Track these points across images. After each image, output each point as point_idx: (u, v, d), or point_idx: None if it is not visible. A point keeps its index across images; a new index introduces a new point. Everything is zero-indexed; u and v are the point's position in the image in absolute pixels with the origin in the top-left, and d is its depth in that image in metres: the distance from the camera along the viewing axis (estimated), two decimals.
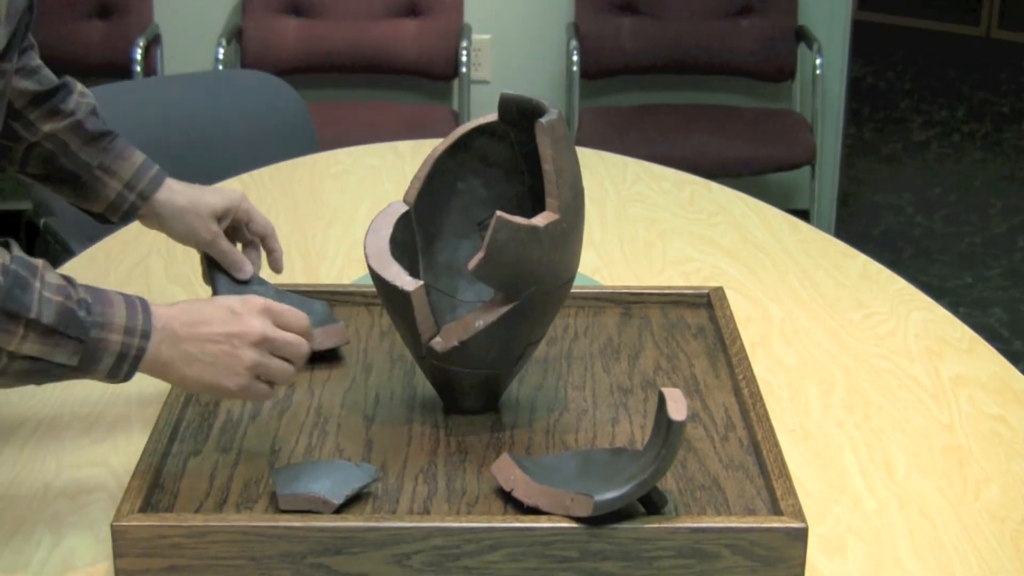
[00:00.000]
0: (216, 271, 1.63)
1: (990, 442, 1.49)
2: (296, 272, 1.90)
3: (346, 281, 1.87)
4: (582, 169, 2.32)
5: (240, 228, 1.66)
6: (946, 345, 1.71)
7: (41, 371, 1.23)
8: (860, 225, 4.44)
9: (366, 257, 1.41)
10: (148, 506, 1.28)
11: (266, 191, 2.21)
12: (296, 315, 1.33)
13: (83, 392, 1.57)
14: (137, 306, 1.26)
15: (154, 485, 1.31)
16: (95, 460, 1.43)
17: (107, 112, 2.13)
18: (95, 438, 1.48)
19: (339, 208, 2.14)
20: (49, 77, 1.58)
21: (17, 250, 1.25)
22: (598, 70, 4.03)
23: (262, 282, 1.64)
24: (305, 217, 2.11)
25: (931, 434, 1.51)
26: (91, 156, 1.59)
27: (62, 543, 1.30)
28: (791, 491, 1.28)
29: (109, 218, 1.62)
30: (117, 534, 1.22)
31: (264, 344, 1.29)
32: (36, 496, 1.37)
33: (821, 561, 1.29)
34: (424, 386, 1.51)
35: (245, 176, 2.28)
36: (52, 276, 1.24)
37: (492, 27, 4.12)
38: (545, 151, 1.36)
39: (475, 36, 4.08)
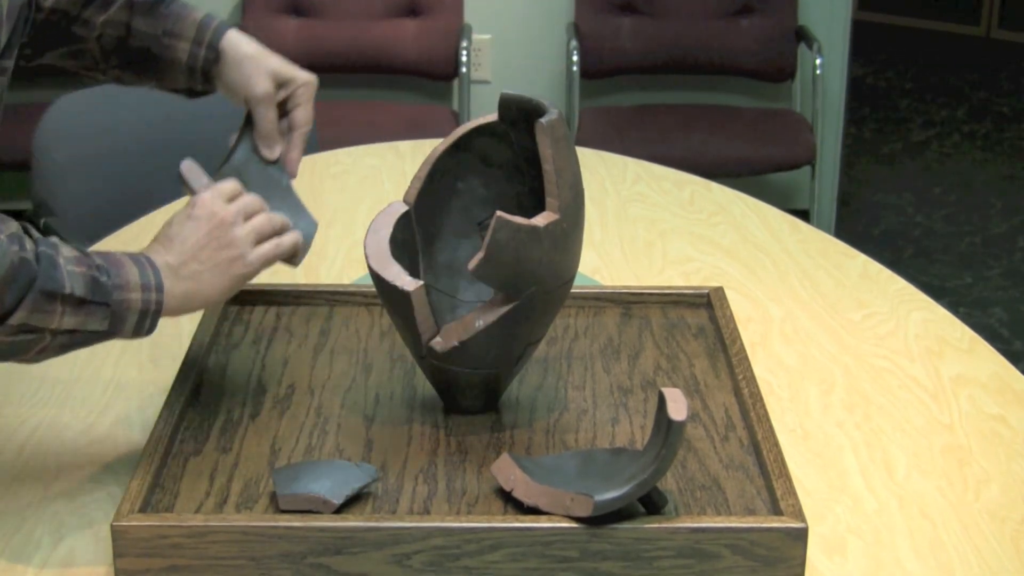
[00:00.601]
0: (246, 136, 1.54)
1: (990, 442, 1.49)
2: (296, 272, 1.90)
3: (346, 281, 1.87)
4: (582, 169, 2.31)
5: (284, 110, 1.56)
6: (946, 345, 1.71)
7: (78, 341, 1.27)
8: (860, 225, 4.44)
9: (366, 257, 1.41)
10: (148, 506, 1.28)
11: None
12: (226, 183, 1.38)
13: (83, 392, 1.57)
14: (143, 261, 1.30)
15: (154, 485, 1.31)
16: (95, 460, 1.43)
17: (106, 112, 2.13)
18: (95, 438, 1.48)
19: (339, 208, 2.14)
20: None
21: (32, 228, 1.26)
22: (598, 70, 4.03)
23: (282, 171, 1.54)
24: None
25: (931, 434, 1.51)
26: (153, 26, 1.54)
27: (62, 543, 1.30)
28: (791, 491, 1.28)
29: (196, 87, 1.57)
30: (117, 534, 1.22)
31: (240, 215, 1.34)
32: (36, 496, 1.37)
33: (821, 561, 1.29)
34: (424, 386, 1.51)
35: None
36: (67, 249, 1.26)
37: (492, 27, 4.12)
38: (545, 151, 1.36)
39: (475, 36, 4.08)
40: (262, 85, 1.51)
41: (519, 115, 1.43)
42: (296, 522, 1.22)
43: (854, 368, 1.65)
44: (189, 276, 1.31)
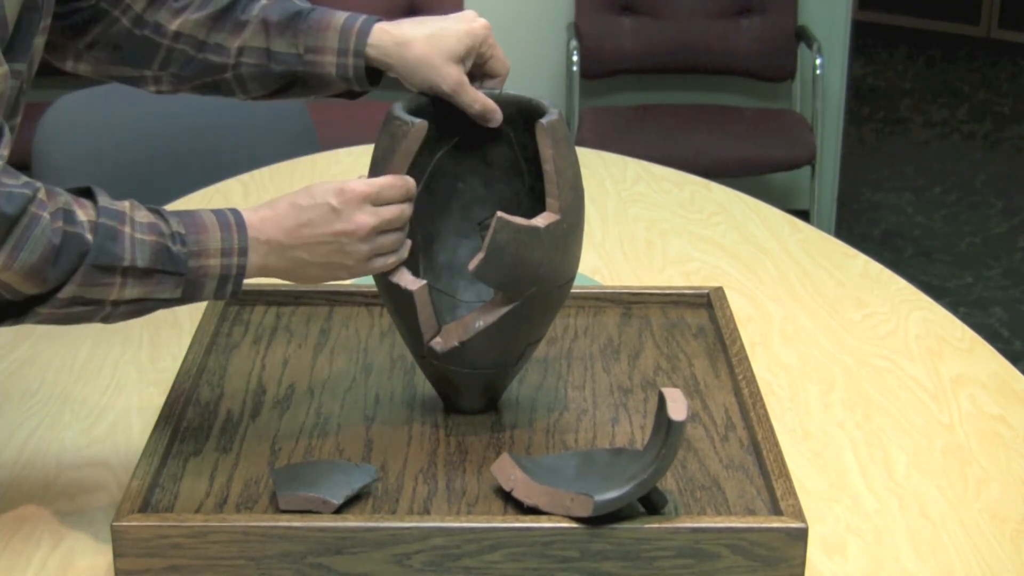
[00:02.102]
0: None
1: (990, 442, 1.49)
2: None
3: (346, 281, 1.87)
4: (582, 169, 2.31)
5: (479, 66, 1.45)
6: (946, 345, 1.71)
7: (147, 309, 1.26)
8: (860, 225, 4.44)
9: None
10: (148, 506, 1.28)
11: (266, 191, 2.21)
12: (395, 185, 1.32)
13: (83, 392, 1.57)
14: (231, 223, 1.26)
15: (154, 485, 1.31)
16: (95, 460, 1.43)
17: (106, 113, 2.13)
18: (95, 438, 1.48)
19: None
20: None
21: (103, 198, 1.25)
22: (598, 70, 4.03)
23: None
24: None
25: (931, 434, 1.51)
26: (292, 46, 1.44)
27: (62, 543, 1.30)
28: (791, 491, 1.28)
29: (356, 89, 1.47)
30: (117, 534, 1.22)
31: (373, 232, 1.30)
32: (36, 496, 1.37)
33: (821, 561, 1.29)
34: (424, 386, 1.51)
35: (245, 176, 2.28)
36: (142, 215, 1.24)
37: (492, 27, 4.12)
38: (546, 151, 1.36)
39: None
40: (448, 78, 1.40)
41: (519, 115, 1.43)
42: (296, 522, 1.22)
43: (854, 368, 1.65)
44: (290, 259, 1.29)
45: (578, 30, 4.00)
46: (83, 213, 1.21)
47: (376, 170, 1.38)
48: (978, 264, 4.17)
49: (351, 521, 1.22)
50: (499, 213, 1.32)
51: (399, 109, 1.37)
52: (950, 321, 1.77)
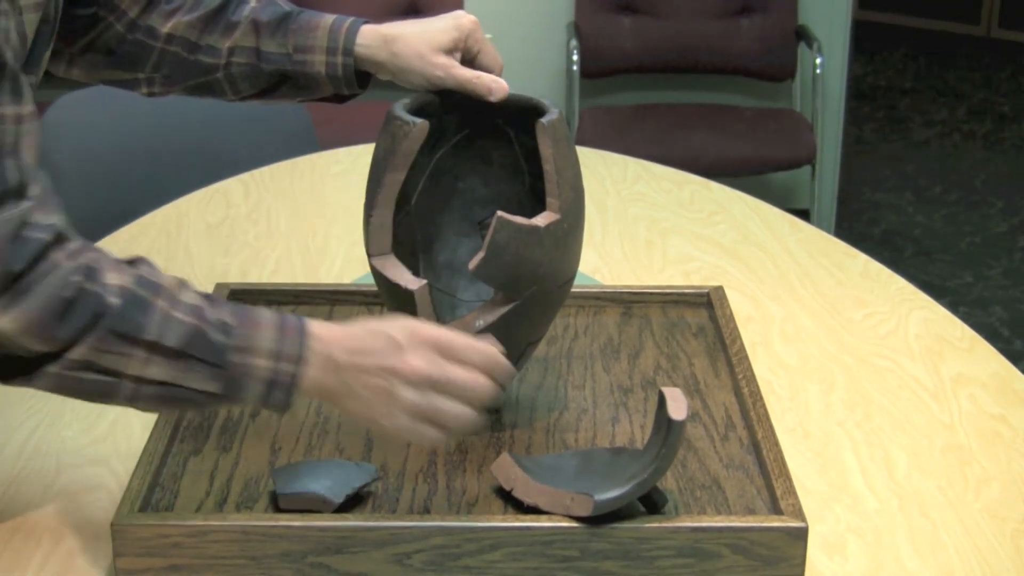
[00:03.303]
0: None
1: (990, 442, 1.49)
2: (296, 272, 1.90)
3: (346, 281, 1.87)
4: (582, 169, 2.31)
5: (467, 62, 1.44)
6: (946, 345, 1.71)
7: (179, 397, 1.15)
8: (860, 225, 4.44)
9: (368, 256, 1.41)
10: (148, 506, 1.28)
11: (266, 191, 2.21)
12: (475, 347, 1.19)
13: None
14: (291, 328, 1.17)
15: (154, 485, 1.31)
16: (95, 460, 1.43)
17: (106, 112, 2.13)
18: (95, 438, 1.48)
19: (339, 208, 2.14)
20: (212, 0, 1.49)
21: (147, 268, 1.17)
22: (598, 70, 4.03)
23: None
24: (305, 217, 2.11)
25: (931, 433, 1.51)
26: (281, 46, 1.45)
27: (62, 543, 1.30)
28: (791, 491, 1.28)
29: (345, 92, 1.47)
30: (117, 534, 1.22)
31: (426, 384, 1.17)
32: (36, 496, 1.37)
33: (821, 561, 1.29)
34: None
35: (245, 176, 2.28)
36: (188, 295, 1.16)
37: (492, 27, 4.12)
38: (546, 151, 1.36)
39: None
40: (438, 67, 1.41)
41: (519, 115, 1.43)
42: (296, 522, 1.22)
43: (854, 368, 1.65)
44: (342, 383, 1.17)
45: (578, 30, 4.00)
46: (115, 277, 1.14)
47: (376, 170, 1.38)
48: (978, 264, 4.17)
49: (351, 521, 1.22)
50: (499, 213, 1.32)
51: (400, 109, 1.37)
52: (950, 321, 1.77)
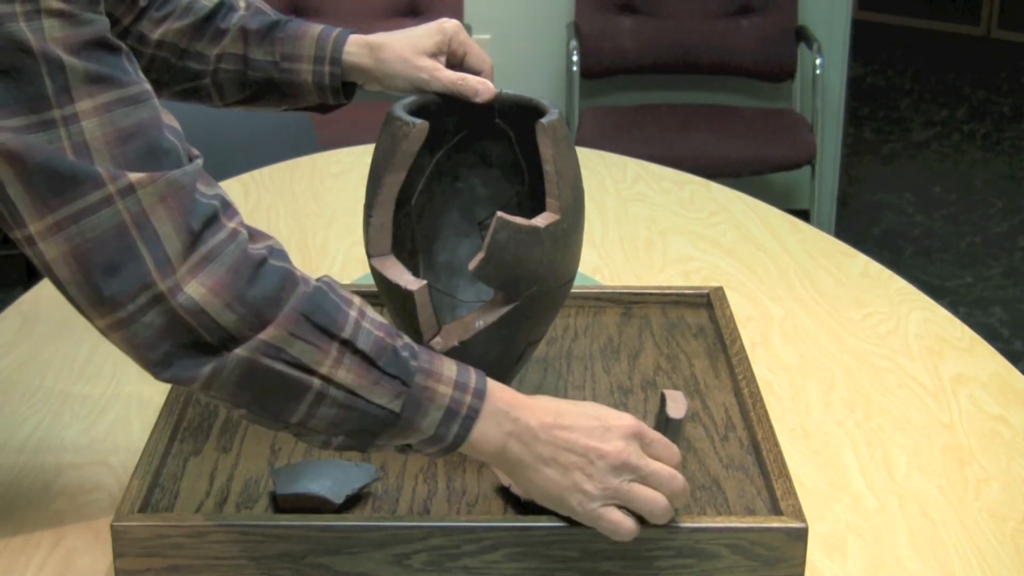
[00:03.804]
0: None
1: (990, 441, 1.49)
2: None
3: (346, 281, 1.87)
4: (582, 169, 2.32)
5: (455, 65, 1.46)
6: (946, 344, 1.71)
7: (360, 412, 1.12)
8: (860, 225, 4.45)
9: (368, 256, 1.41)
10: (148, 506, 1.28)
11: (266, 191, 2.21)
12: (669, 447, 1.19)
13: (83, 392, 1.57)
14: (470, 369, 1.16)
15: (154, 485, 1.31)
16: (95, 460, 1.43)
17: None
18: (95, 438, 1.48)
19: (339, 208, 2.14)
20: (202, 5, 1.50)
21: (331, 280, 1.14)
22: (598, 70, 4.03)
23: None
24: (305, 217, 2.11)
25: (931, 433, 1.51)
26: (269, 54, 1.46)
27: (62, 543, 1.30)
28: (791, 491, 1.28)
29: (331, 102, 1.48)
30: (117, 534, 1.22)
31: (627, 470, 1.15)
32: (36, 496, 1.37)
33: (821, 561, 1.29)
34: None
35: (245, 176, 2.28)
36: (373, 312, 1.14)
37: (492, 27, 4.12)
38: (546, 151, 1.36)
39: (475, 36, 4.08)
40: (423, 69, 1.41)
41: (519, 115, 1.43)
42: (296, 522, 1.22)
43: (854, 368, 1.65)
44: (531, 453, 1.15)
45: (578, 30, 4.00)
46: (301, 272, 1.11)
47: (377, 170, 1.38)
48: (978, 264, 4.17)
49: (351, 521, 1.22)
50: (499, 213, 1.32)
51: (400, 110, 1.38)
52: (950, 321, 1.77)
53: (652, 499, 1.16)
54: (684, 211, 2.15)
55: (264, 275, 1.08)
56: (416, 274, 1.47)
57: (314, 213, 2.12)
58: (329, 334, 1.10)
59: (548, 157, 1.35)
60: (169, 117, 1.10)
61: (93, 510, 1.35)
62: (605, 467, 1.15)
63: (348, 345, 1.10)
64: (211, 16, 1.49)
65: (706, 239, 2.04)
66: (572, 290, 1.69)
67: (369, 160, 2.37)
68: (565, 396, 1.50)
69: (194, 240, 1.06)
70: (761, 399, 1.44)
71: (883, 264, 1.95)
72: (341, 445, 1.14)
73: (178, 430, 1.41)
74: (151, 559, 1.22)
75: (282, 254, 1.11)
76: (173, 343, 1.07)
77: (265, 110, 1.52)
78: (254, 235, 1.11)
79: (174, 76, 1.50)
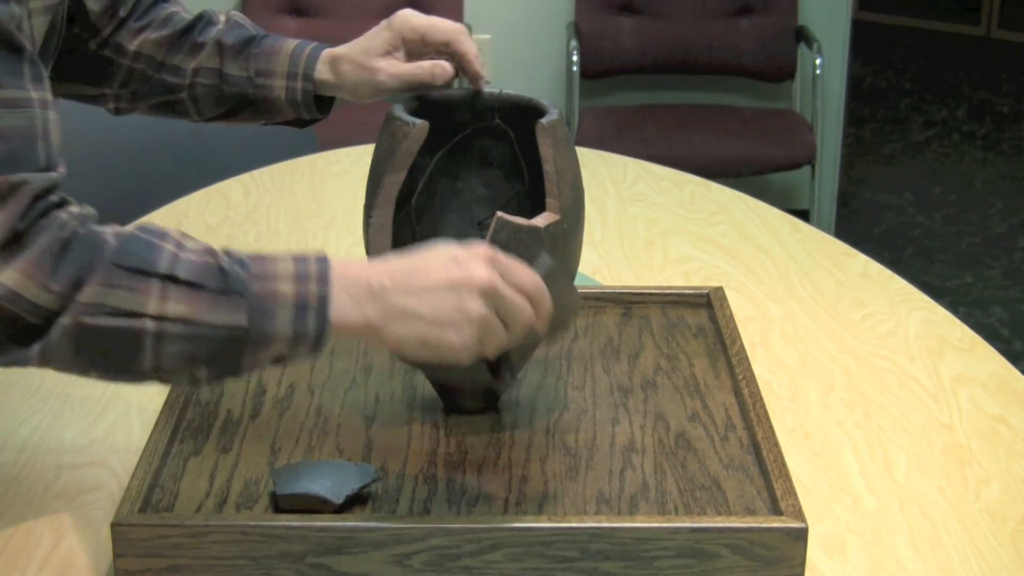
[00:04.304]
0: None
1: (990, 442, 1.49)
2: None
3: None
4: (582, 169, 2.32)
5: (421, 53, 1.44)
6: (946, 345, 1.71)
7: (207, 338, 1.09)
8: (860, 225, 4.44)
9: (368, 256, 1.41)
10: (148, 506, 1.28)
11: (266, 191, 2.21)
12: (528, 275, 1.16)
13: (83, 392, 1.57)
14: (309, 257, 1.13)
15: (154, 485, 1.31)
16: (95, 460, 1.43)
17: (104, 114, 2.13)
18: (95, 438, 1.48)
19: (339, 208, 2.14)
20: (182, 17, 1.50)
21: (157, 227, 1.14)
22: (598, 70, 4.03)
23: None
24: (305, 217, 2.11)
25: (931, 434, 1.51)
26: (244, 69, 1.47)
27: (62, 543, 1.30)
28: (791, 491, 1.28)
29: (306, 116, 1.49)
30: (117, 534, 1.22)
31: (492, 296, 1.13)
32: (36, 496, 1.37)
33: (821, 561, 1.29)
34: (424, 386, 1.51)
35: (245, 176, 2.28)
36: (192, 242, 1.13)
37: (492, 27, 4.12)
38: (546, 151, 1.36)
39: (475, 36, 4.08)
40: (378, 71, 1.41)
41: (519, 115, 1.43)
42: (296, 522, 1.22)
43: (854, 368, 1.65)
44: (393, 306, 1.12)
45: (578, 30, 4.00)
46: (111, 229, 1.12)
47: (377, 171, 1.38)
48: (978, 264, 4.17)
49: (351, 521, 1.22)
50: (499, 213, 1.32)
51: (400, 110, 1.38)
52: (950, 321, 1.77)
53: (502, 335, 1.14)
54: (684, 211, 2.15)
55: (73, 246, 1.08)
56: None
57: (314, 213, 2.12)
58: (145, 274, 1.09)
59: (548, 157, 1.35)
60: (53, 132, 1.12)
61: (93, 510, 1.35)
62: (473, 294, 1.12)
63: (169, 278, 1.09)
64: (188, 29, 1.50)
65: (706, 239, 2.04)
66: None
67: (369, 160, 2.37)
68: (565, 396, 1.50)
69: (16, 237, 1.08)
70: (761, 399, 1.44)
71: (883, 264, 1.95)
72: (210, 377, 1.12)
73: (178, 430, 1.41)
74: (151, 559, 1.22)
75: (87, 220, 1.11)
76: (0, 333, 1.09)
77: (243, 125, 1.53)
78: (78, 213, 1.12)
79: (151, 89, 1.51)
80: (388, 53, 1.43)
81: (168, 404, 1.42)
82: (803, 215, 3.70)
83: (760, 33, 4.01)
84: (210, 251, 1.12)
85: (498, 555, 1.22)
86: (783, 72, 4.05)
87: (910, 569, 1.28)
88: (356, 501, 1.30)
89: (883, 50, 6.37)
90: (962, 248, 4.28)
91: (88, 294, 1.08)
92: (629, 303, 1.70)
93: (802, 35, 4.02)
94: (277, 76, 1.47)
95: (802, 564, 1.23)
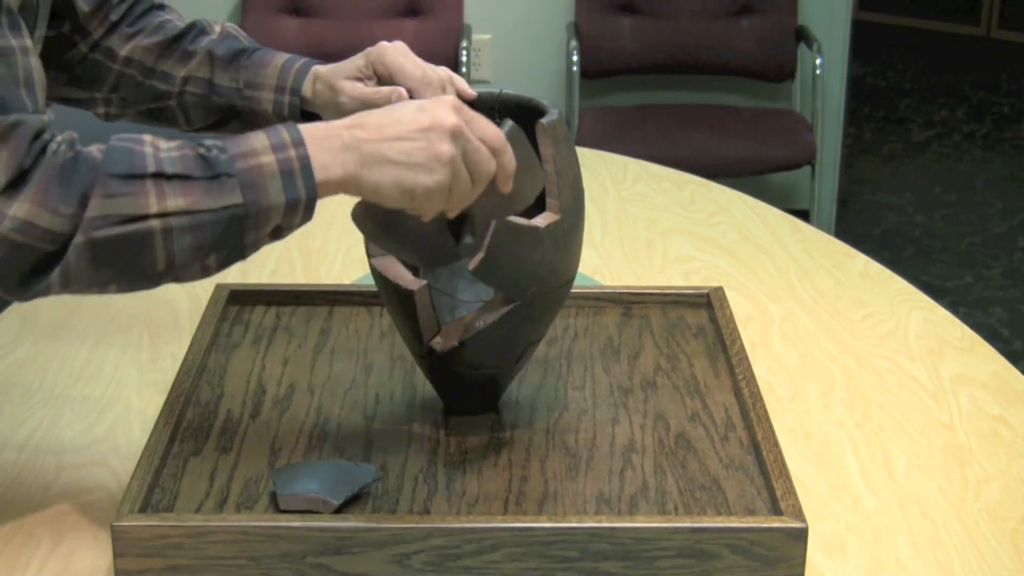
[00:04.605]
0: None
1: (990, 442, 1.49)
2: (296, 272, 1.90)
3: (346, 281, 1.87)
4: (582, 169, 2.32)
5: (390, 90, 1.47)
6: (946, 345, 1.71)
7: (212, 224, 1.14)
8: (860, 225, 4.44)
9: (368, 256, 1.41)
10: (148, 506, 1.28)
11: None
12: (492, 128, 1.22)
13: (83, 392, 1.57)
14: (278, 127, 1.18)
15: (154, 485, 1.31)
16: (95, 460, 1.43)
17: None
18: (95, 438, 1.48)
19: (339, 208, 2.14)
20: (175, 25, 1.52)
21: (123, 136, 1.20)
22: (598, 70, 4.03)
23: None
24: None
25: (931, 434, 1.51)
26: (233, 80, 1.49)
27: (62, 543, 1.30)
28: (791, 491, 1.28)
29: None
30: (117, 534, 1.22)
31: (460, 139, 1.19)
32: (36, 496, 1.37)
33: (821, 561, 1.29)
34: (424, 386, 1.51)
35: None
36: (164, 141, 1.17)
37: (492, 27, 4.12)
38: (546, 152, 1.36)
39: (475, 36, 4.08)
40: (343, 93, 1.45)
41: (519, 115, 1.43)
42: (296, 522, 1.22)
43: (854, 368, 1.65)
44: (368, 155, 1.17)
45: (578, 30, 4.00)
46: (93, 146, 1.16)
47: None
48: (978, 264, 4.17)
49: (351, 521, 1.22)
50: None
51: None
52: (950, 321, 1.77)
53: (468, 185, 1.20)
54: (684, 211, 2.15)
55: (71, 169, 1.12)
56: (416, 274, 1.47)
57: (314, 213, 2.12)
58: (139, 177, 1.13)
59: (548, 157, 1.35)
60: (37, 79, 1.15)
61: (93, 510, 1.35)
62: (444, 137, 1.17)
63: (160, 176, 1.13)
64: (180, 37, 1.51)
65: (706, 239, 2.04)
66: (572, 290, 1.69)
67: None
68: (565, 396, 1.50)
69: (20, 171, 1.12)
70: (761, 399, 1.44)
71: (883, 264, 1.95)
72: (219, 264, 1.17)
73: (178, 430, 1.41)
74: (151, 559, 1.22)
75: (72, 142, 1.15)
76: (20, 266, 1.13)
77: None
78: (62, 142, 1.15)
79: (140, 95, 1.51)
80: (358, 79, 1.45)
81: (168, 404, 1.42)
82: (803, 215, 3.70)
83: (760, 33, 4.01)
84: (185, 144, 1.16)
85: (498, 555, 1.22)
86: (783, 72, 4.04)
87: (910, 569, 1.28)
88: (356, 501, 1.30)
89: (883, 50, 6.37)
90: (962, 248, 4.28)
91: (94, 209, 1.12)
92: (629, 303, 1.70)
93: (802, 35, 4.02)
94: (266, 89, 1.49)
95: (802, 564, 1.23)
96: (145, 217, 1.13)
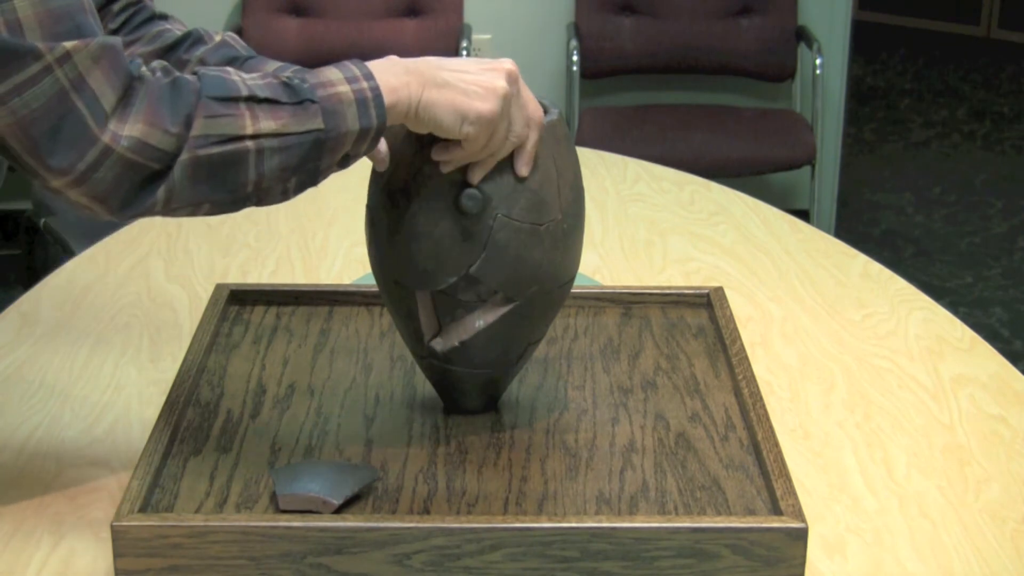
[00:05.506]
0: None
1: (990, 442, 1.49)
2: (296, 272, 1.90)
3: (346, 281, 1.87)
4: (582, 169, 2.32)
5: None
6: (946, 345, 1.71)
7: (296, 147, 1.22)
8: (860, 225, 4.44)
9: (369, 256, 1.41)
10: (148, 506, 1.28)
11: None
12: (536, 103, 1.33)
13: (83, 392, 1.57)
14: (347, 63, 1.27)
15: (154, 485, 1.31)
16: (95, 460, 1.43)
17: None
18: (95, 438, 1.48)
19: (340, 208, 2.14)
20: (172, 34, 1.54)
21: (209, 67, 1.29)
22: (598, 70, 4.03)
23: None
24: (305, 217, 2.11)
25: (931, 434, 1.51)
26: None
27: (62, 543, 1.30)
28: (791, 491, 1.28)
29: None
30: (117, 534, 1.22)
31: (515, 85, 1.30)
32: (36, 496, 1.37)
33: (821, 561, 1.29)
34: (424, 386, 1.51)
35: None
36: (245, 73, 1.26)
37: (492, 27, 4.12)
38: (546, 151, 1.35)
39: (475, 36, 4.08)
40: None
41: None
42: (296, 522, 1.22)
43: (854, 368, 1.65)
44: (431, 79, 1.27)
45: (578, 30, 4.00)
46: (186, 72, 1.23)
47: (377, 170, 1.38)
48: (978, 264, 4.17)
49: (351, 521, 1.22)
50: (499, 213, 1.32)
51: None
52: (950, 321, 1.77)
53: (522, 132, 1.31)
54: (684, 211, 2.15)
55: (175, 90, 1.19)
56: None
57: (314, 213, 2.12)
58: (235, 100, 1.21)
59: (548, 157, 1.35)
60: (93, 8, 1.19)
61: (93, 510, 1.35)
62: (500, 74, 1.28)
63: (252, 99, 1.21)
64: (175, 46, 1.51)
65: (706, 239, 2.04)
66: (572, 290, 1.69)
67: (369, 160, 2.37)
68: (565, 396, 1.50)
69: (127, 89, 1.17)
70: (761, 399, 1.44)
71: (883, 264, 1.95)
72: (298, 187, 1.25)
73: (178, 430, 1.41)
74: (151, 559, 1.22)
75: (167, 69, 1.22)
76: (131, 184, 1.18)
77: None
78: (157, 68, 1.22)
79: None
80: None
81: (168, 404, 1.42)
82: (803, 215, 3.70)
83: (760, 33, 4.01)
84: (268, 73, 1.25)
85: (498, 555, 1.22)
86: (783, 72, 4.04)
87: (910, 569, 1.28)
88: (356, 501, 1.30)
89: (883, 50, 6.37)
90: (962, 248, 4.28)
91: (197, 128, 1.19)
92: (629, 303, 1.70)
93: (802, 35, 4.02)
94: None
95: (802, 564, 1.23)
96: (241, 138, 1.20)
